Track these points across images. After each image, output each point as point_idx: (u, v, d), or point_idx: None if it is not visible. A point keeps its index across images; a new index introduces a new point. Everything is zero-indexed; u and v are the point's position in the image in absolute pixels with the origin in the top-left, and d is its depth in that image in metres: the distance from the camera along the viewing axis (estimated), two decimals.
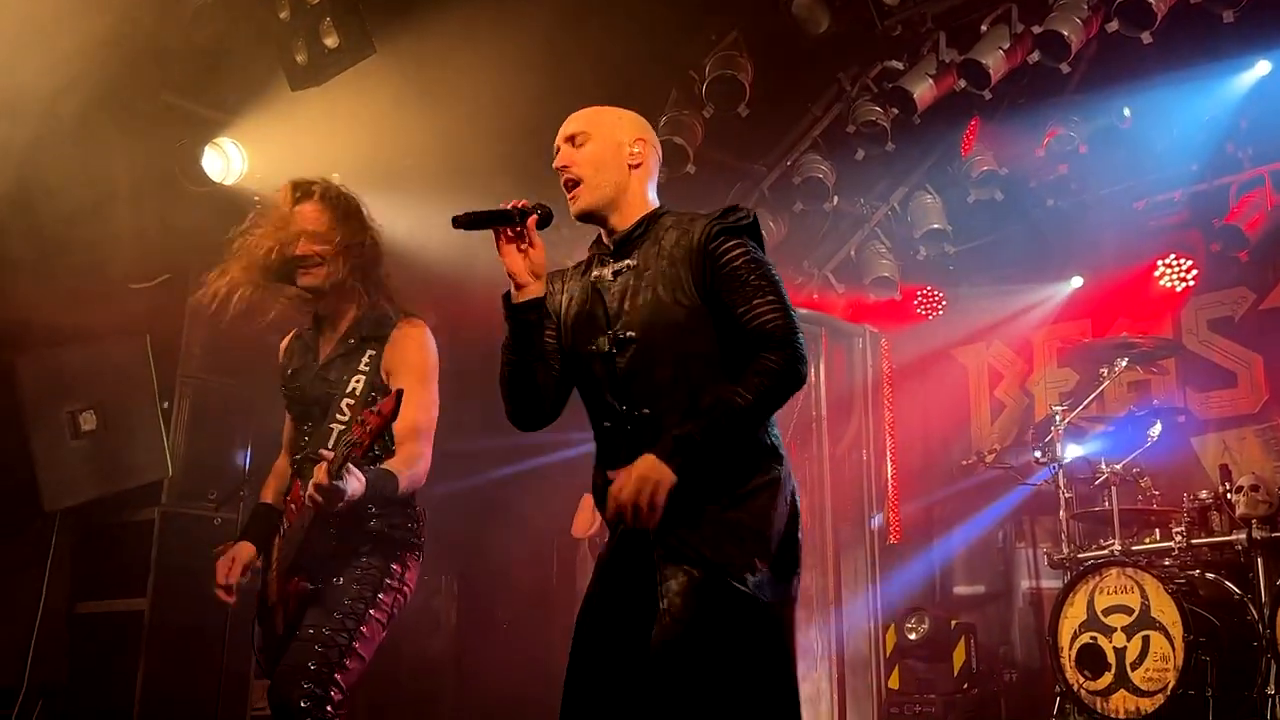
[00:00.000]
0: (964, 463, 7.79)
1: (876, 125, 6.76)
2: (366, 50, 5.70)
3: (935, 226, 7.70)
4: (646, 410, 2.81)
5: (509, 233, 2.87)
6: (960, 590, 8.26)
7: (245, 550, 3.61)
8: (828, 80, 7.10)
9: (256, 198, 6.59)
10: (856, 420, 8.45)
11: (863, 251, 8.09)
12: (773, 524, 2.75)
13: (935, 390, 8.59)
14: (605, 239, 3.02)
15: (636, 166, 2.99)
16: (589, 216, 2.99)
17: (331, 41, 5.68)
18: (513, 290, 2.91)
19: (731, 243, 2.83)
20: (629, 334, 2.85)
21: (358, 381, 3.52)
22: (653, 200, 3.04)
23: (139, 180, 6.34)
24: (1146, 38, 5.72)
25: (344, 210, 3.63)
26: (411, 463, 3.39)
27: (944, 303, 8.45)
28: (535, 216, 2.87)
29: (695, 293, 2.81)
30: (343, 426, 3.46)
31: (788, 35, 6.35)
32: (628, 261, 2.93)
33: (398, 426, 3.33)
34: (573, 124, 3.01)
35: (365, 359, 3.54)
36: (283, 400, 3.81)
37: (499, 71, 5.90)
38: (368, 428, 3.06)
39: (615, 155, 2.97)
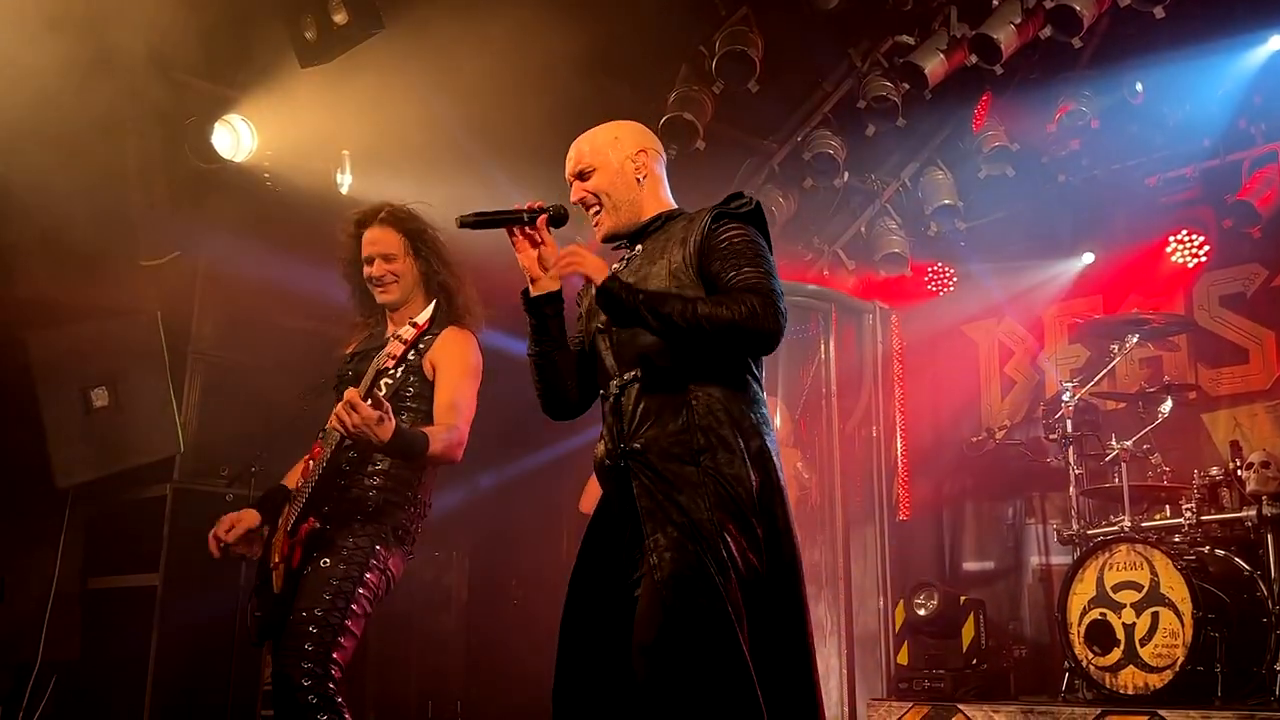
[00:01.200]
0: (974, 439, 7.80)
1: (887, 100, 6.74)
2: (375, 27, 5.69)
3: (946, 202, 7.68)
4: (638, 371, 2.96)
5: (522, 231, 3.06)
6: (970, 566, 8.27)
7: (249, 515, 3.73)
8: (838, 55, 7.08)
9: (266, 175, 6.64)
10: (866, 397, 8.43)
11: (873, 227, 8.07)
12: (746, 493, 2.83)
13: (945, 367, 8.58)
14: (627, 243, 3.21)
15: (644, 178, 3.15)
16: (613, 238, 3.18)
17: (340, 18, 5.67)
18: (530, 286, 3.09)
19: (730, 224, 2.98)
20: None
21: (399, 368, 3.57)
22: (668, 200, 3.21)
23: (149, 157, 6.35)
24: (1159, 12, 5.69)
25: (410, 229, 3.87)
26: (446, 432, 3.52)
27: (955, 279, 8.44)
28: (546, 215, 3.04)
29: (691, 271, 2.95)
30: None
31: (798, 10, 6.32)
32: (638, 248, 3.14)
33: (438, 402, 3.60)
34: (576, 159, 3.17)
35: (411, 353, 3.60)
36: (330, 382, 3.94)
37: (508, 49, 5.88)
38: (404, 339, 3.24)
39: (622, 177, 3.13)
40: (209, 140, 6.32)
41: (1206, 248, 7.30)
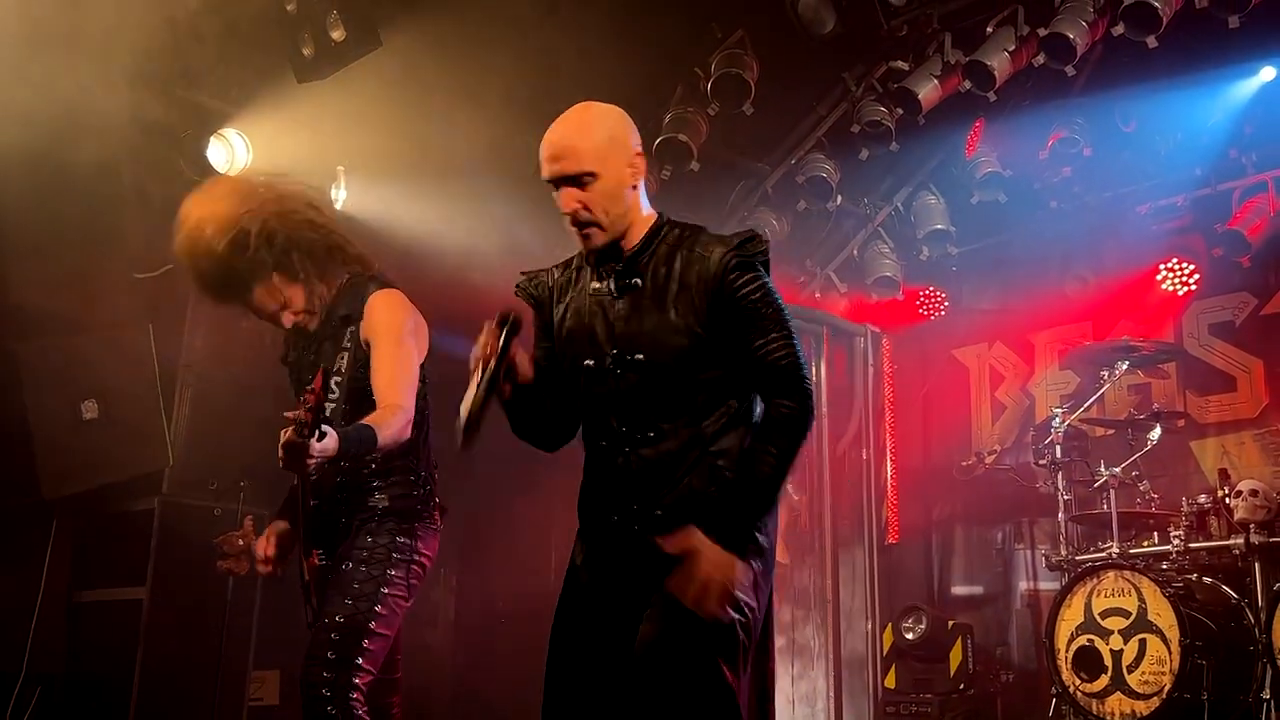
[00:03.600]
0: (964, 463, 7.81)
1: (881, 125, 6.78)
2: (373, 44, 5.72)
3: (938, 227, 7.72)
4: (651, 434, 2.77)
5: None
6: (958, 591, 8.27)
7: (279, 526, 3.72)
8: (833, 80, 7.11)
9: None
10: (857, 419, 8.45)
11: (865, 251, 8.10)
12: (766, 547, 2.78)
13: (936, 391, 8.60)
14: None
15: (636, 186, 2.86)
16: (602, 253, 2.85)
17: (338, 35, 5.69)
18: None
19: (749, 277, 2.77)
20: (636, 355, 2.77)
21: (342, 358, 3.59)
22: (646, 205, 2.90)
23: (143, 170, 6.35)
24: (1152, 42, 5.72)
25: (236, 246, 3.57)
26: (388, 415, 3.37)
27: (946, 303, 8.46)
28: (513, 340, 2.74)
29: (707, 320, 2.75)
30: (332, 404, 3.51)
31: (793, 34, 6.35)
32: (635, 279, 2.82)
33: (376, 384, 3.45)
34: (571, 160, 2.75)
35: (348, 335, 3.61)
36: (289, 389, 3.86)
37: (503, 68, 5.91)
38: (307, 406, 3.06)
39: (621, 184, 2.80)
40: (204, 154, 6.33)
41: (1196, 276, 7.33)
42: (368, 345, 3.56)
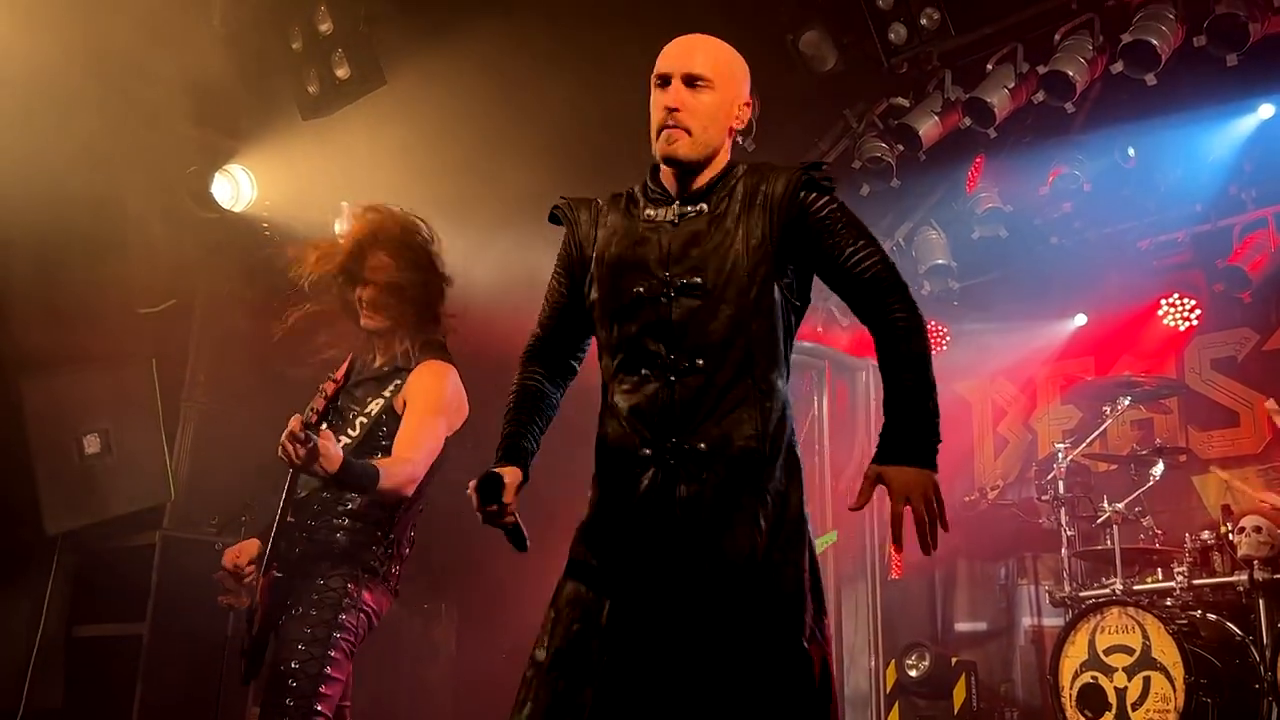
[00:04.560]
0: (967, 498, 7.79)
1: (882, 161, 6.80)
2: (377, 82, 5.77)
3: (940, 262, 7.73)
4: (700, 361, 2.60)
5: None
6: (961, 627, 8.22)
7: (251, 545, 3.65)
8: (834, 116, 7.14)
9: (265, 225, 6.68)
10: (859, 453, 8.44)
11: None
12: (805, 520, 2.68)
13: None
14: (670, 182, 2.78)
15: (734, 129, 2.79)
16: (677, 164, 2.72)
17: (343, 73, 5.75)
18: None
19: (819, 194, 2.69)
20: (694, 279, 2.64)
21: (376, 404, 3.61)
22: (728, 155, 2.82)
23: (148, 205, 6.38)
24: (1151, 79, 5.76)
25: (413, 260, 3.72)
26: (398, 466, 3.40)
27: (948, 338, 8.47)
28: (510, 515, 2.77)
29: (773, 240, 2.65)
30: (348, 440, 3.53)
31: (795, 71, 6.39)
32: (699, 206, 2.71)
33: (399, 436, 3.49)
34: (698, 62, 2.71)
35: (391, 386, 3.64)
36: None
37: (507, 104, 5.95)
38: (325, 394, 3.13)
39: (727, 114, 2.74)
40: (209, 189, 6.37)
41: (1198, 311, 7.34)
42: (403, 406, 3.60)
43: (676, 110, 2.68)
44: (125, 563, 5.90)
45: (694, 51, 2.73)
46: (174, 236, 6.50)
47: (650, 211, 2.75)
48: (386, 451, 3.53)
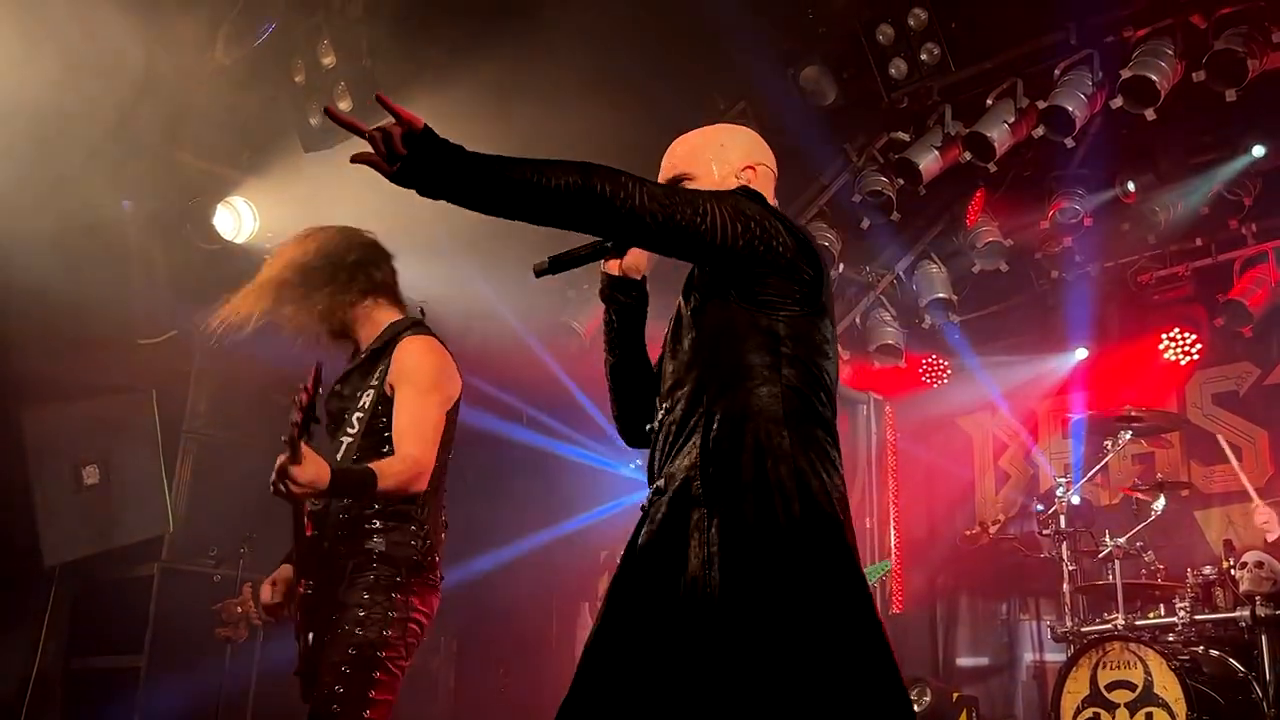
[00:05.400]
0: (968, 532, 7.76)
1: (882, 195, 6.82)
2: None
3: (940, 296, 7.74)
4: (667, 404, 2.59)
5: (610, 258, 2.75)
6: (963, 662, 8.18)
7: (284, 571, 3.58)
8: (835, 150, 7.16)
9: (268, 257, 6.69)
10: (860, 488, 8.42)
11: (868, 319, 8.12)
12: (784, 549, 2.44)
13: (940, 459, 8.57)
14: None
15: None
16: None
17: (345, 105, 5.77)
18: (606, 270, 2.78)
19: None
20: (672, 329, 2.70)
21: (367, 395, 3.49)
22: None
23: (150, 236, 6.41)
24: (1150, 114, 5.78)
25: (310, 259, 3.67)
26: (396, 464, 3.29)
27: (949, 372, 8.46)
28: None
29: (703, 278, 2.61)
30: (349, 439, 3.46)
31: (795, 105, 6.42)
32: None
33: (394, 427, 3.37)
34: (669, 165, 2.79)
35: (377, 373, 3.52)
36: None
37: (510, 136, 5.97)
38: (299, 402, 3.01)
39: (721, 187, 2.69)
40: (211, 221, 6.39)
41: (1199, 346, 7.34)
42: (392, 390, 3.46)
43: None
44: (124, 594, 5.89)
45: (667, 157, 2.80)
46: (175, 268, 6.51)
47: None
48: (385, 438, 3.42)
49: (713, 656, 2.28)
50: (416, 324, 3.64)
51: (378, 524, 3.40)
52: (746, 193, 2.67)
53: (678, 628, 2.36)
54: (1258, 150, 6.48)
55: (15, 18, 5.30)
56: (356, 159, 2.36)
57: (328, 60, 5.76)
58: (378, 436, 3.43)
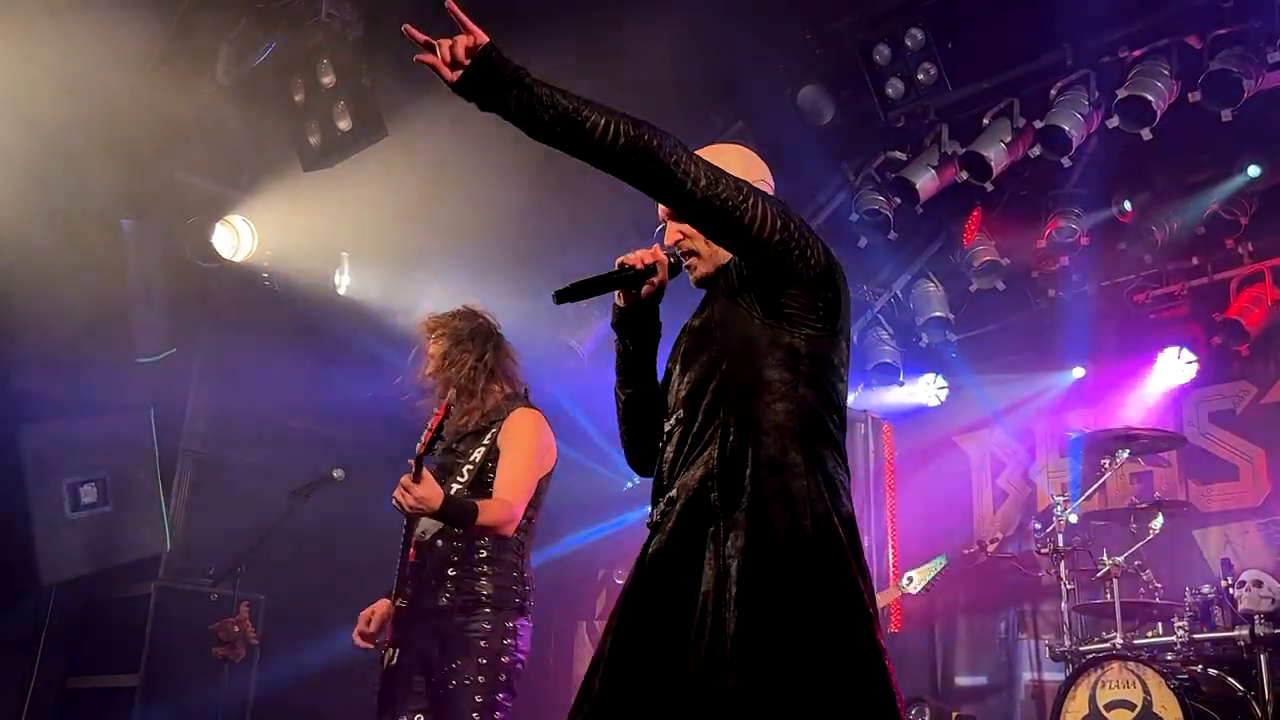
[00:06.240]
0: (966, 551, 7.74)
1: (879, 214, 6.84)
2: (379, 134, 5.79)
3: (937, 314, 7.75)
4: (680, 411, 2.62)
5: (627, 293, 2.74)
6: (962, 681, 8.16)
7: (380, 606, 4.03)
8: (832, 169, 7.19)
9: (265, 275, 6.70)
10: (858, 506, 8.35)
11: (865, 338, 8.13)
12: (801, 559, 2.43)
13: (937, 478, 8.57)
14: None
15: None
16: (707, 282, 2.78)
17: (345, 124, 5.78)
18: (619, 304, 2.78)
19: None
20: (678, 351, 2.75)
21: (478, 451, 4.05)
22: None
23: (149, 255, 6.41)
24: (1146, 134, 5.80)
25: (453, 338, 4.22)
26: (496, 506, 3.83)
27: (946, 390, 8.47)
28: (666, 265, 2.72)
29: (737, 281, 2.63)
30: (459, 485, 3.98)
31: (793, 125, 6.44)
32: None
33: (497, 480, 3.94)
34: None
35: (488, 436, 4.08)
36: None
37: (506, 156, 5.99)
38: (430, 427, 3.64)
39: None
40: (209, 240, 6.40)
41: (1196, 364, 7.35)
42: (499, 450, 4.03)
43: (678, 242, 2.76)
44: (120, 613, 5.88)
45: None
46: (174, 286, 6.52)
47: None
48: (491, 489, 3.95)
49: (730, 671, 2.28)
50: (522, 397, 4.24)
51: (486, 569, 3.92)
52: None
53: (693, 644, 2.36)
54: (1253, 170, 6.50)
55: (15, 36, 5.32)
56: (421, 60, 2.43)
57: (327, 80, 5.77)
58: (483, 488, 3.98)
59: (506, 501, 3.86)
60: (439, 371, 4.18)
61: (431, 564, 3.93)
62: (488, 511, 3.80)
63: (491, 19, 2.62)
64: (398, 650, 3.81)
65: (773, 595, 2.32)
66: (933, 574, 6.59)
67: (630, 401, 2.84)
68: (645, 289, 2.75)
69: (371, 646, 4.01)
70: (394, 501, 3.67)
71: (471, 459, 4.04)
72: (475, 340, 4.24)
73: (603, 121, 2.38)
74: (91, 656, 5.93)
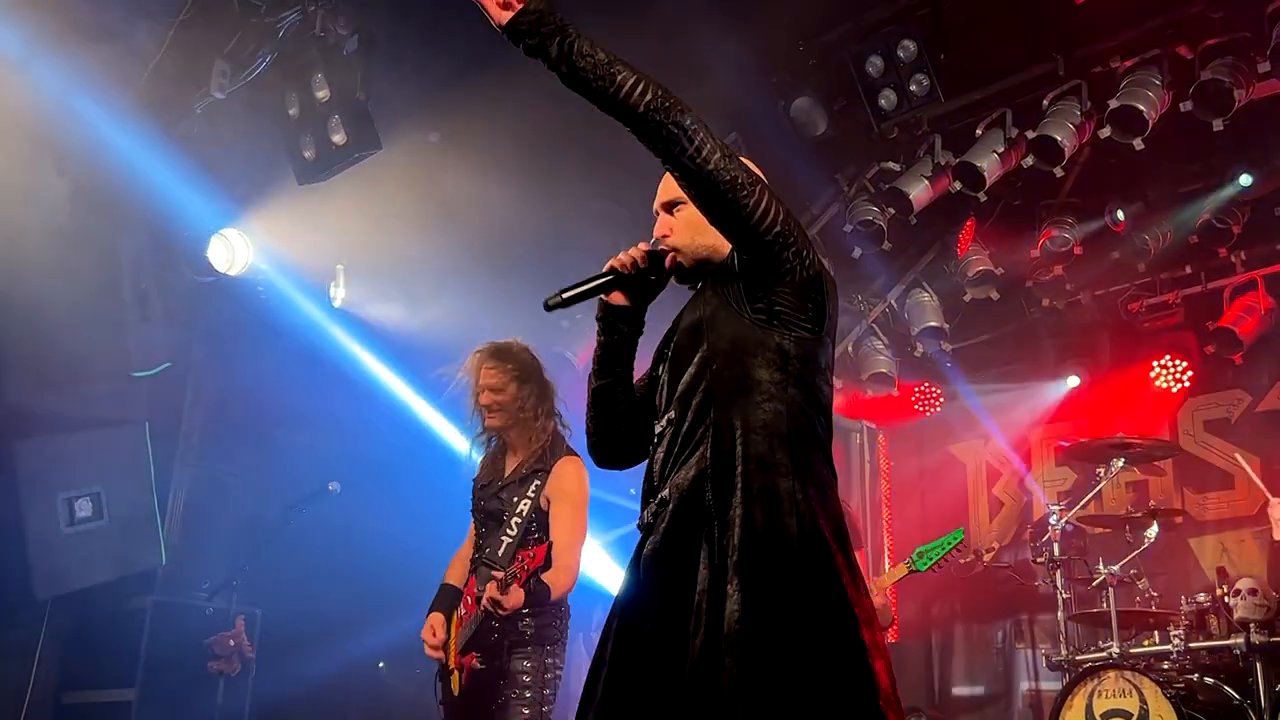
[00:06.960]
0: (962, 561, 7.75)
1: (873, 224, 6.86)
2: (373, 148, 5.81)
3: (932, 324, 7.77)
4: (672, 412, 2.65)
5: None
6: (959, 691, 8.16)
7: (438, 619, 4.29)
8: (826, 180, 7.21)
9: (260, 288, 6.70)
10: (854, 516, 8.42)
11: (860, 348, 8.14)
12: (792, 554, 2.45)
13: (933, 487, 8.58)
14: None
15: None
16: (685, 279, 2.84)
17: (339, 138, 5.79)
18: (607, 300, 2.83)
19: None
20: (667, 351, 2.77)
21: (525, 504, 4.24)
22: None
23: (144, 268, 6.41)
24: (1139, 144, 5.82)
25: (519, 369, 4.36)
26: (562, 574, 4.07)
27: (941, 400, 8.48)
28: (645, 256, 2.78)
29: (733, 281, 2.66)
30: (509, 539, 4.19)
31: (786, 136, 6.46)
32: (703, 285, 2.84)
33: (555, 542, 4.08)
34: (669, 188, 2.82)
35: (533, 487, 4.27)
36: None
37: (499, 170, 6.00)
38: (526, 566, 3.84)
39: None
40: (204, 253, 6.41)
41: (1190, 373, 7.37)
42: (548, 502, 4.25)
43: (664, 236, 2.82)
44: (116, 627, 5.86)
45: (666, 181, 2.85)
46: (169, 300, 6.52)
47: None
48: (538, 542, 4.12)
49: (729, 656, 2.29)
50: (564, 442, 4.41)
51: (528, 610, 4.08)
52: None
53: (690, 644, 2.36)
54: (1245, 179, 6.52)
55: (4, 42, 5.34)
56: None
57: (322, 94, 5.78)
58: (528, 539, 4.20)
59: (569, 568, 4.13)
60: (505, 405, 4.33)
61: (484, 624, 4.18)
62: (559, 587, 4.09)
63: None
64: (463, 673, 4.14)
65: (762, 593, 2.34)
66: (945, 550, 6.34)
67: (601, 390, 2.87)
68: (650, 281, 2.81)
69: (443, 656, 4.24)
70: (482, 609, 3.95)
71: (518, 511, 4.24)
72: (534, 379, 4.39)
73: (633, 78, 2.49)
74: (87, 671, 5.91)
